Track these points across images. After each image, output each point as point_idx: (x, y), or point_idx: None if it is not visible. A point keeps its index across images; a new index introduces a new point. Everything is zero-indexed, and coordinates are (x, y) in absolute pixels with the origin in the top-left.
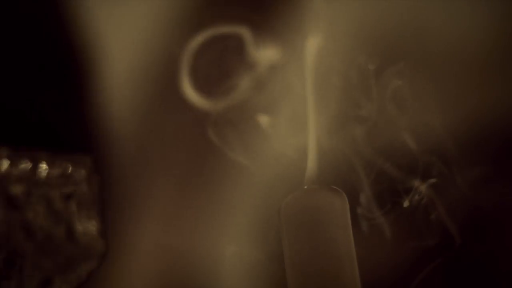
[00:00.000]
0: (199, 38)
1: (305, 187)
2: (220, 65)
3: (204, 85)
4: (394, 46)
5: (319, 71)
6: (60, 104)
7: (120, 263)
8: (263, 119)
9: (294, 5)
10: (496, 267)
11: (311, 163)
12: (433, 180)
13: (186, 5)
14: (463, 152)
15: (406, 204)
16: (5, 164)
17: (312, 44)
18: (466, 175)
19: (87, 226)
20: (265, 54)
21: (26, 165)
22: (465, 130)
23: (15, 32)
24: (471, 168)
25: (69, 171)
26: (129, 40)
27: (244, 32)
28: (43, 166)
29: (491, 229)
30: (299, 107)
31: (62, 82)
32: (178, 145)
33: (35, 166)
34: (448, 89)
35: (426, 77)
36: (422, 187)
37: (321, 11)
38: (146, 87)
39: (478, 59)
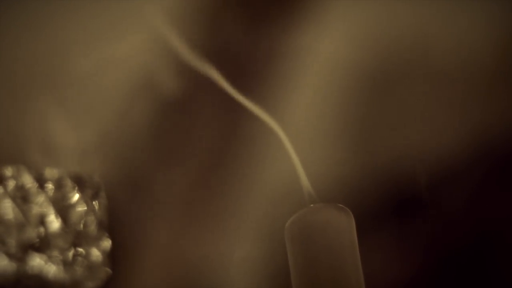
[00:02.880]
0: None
1: (311, 205)
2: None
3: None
4: (399, 62)
5: (323, 89)
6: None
7: (128, 278)
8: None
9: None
10: (500, 277)
11: (305, 182)
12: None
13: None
14: (468, 165)
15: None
16: (11, 184)
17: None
18: (470, 187)
19: (95, 246)
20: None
21: (31, 185)
22: (470, 143)
23: None
24: (475, 181)
25: (76, 190)
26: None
27: None
28: (49, 185)
29: (494, 240)
30: (304, 123)
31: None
32: (188, 159)
33: (42, 186)
34: (453, 103)
35: (431, 92)
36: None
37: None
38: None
39: (484, 73)
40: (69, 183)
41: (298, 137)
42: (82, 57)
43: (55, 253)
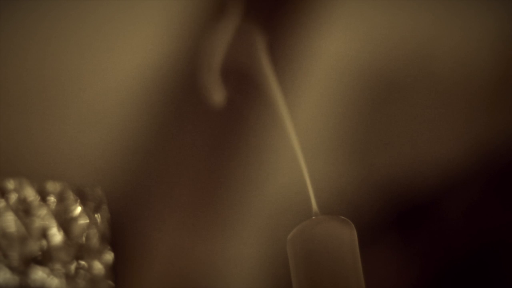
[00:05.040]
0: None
1: (313, 217)
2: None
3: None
4: (401, 73)
5: (324, 100)
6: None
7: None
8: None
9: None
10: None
11: (311, 193)
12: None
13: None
14: (469, 175)
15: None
16: (13, 197)
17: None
18: (471, 197)
19: (97, 259)
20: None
21: (34, 197)
22: (471, 154)
23: None
24: (476, 191)
25: (78, 203)
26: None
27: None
28: (51, 198)
29: (495, 250)
30: (305, 135)
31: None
32: (190, 171)
33: (44, 199)
34: (455, 115)
35: (434, 103)
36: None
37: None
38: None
39: (486, 85)
40: (71, 196)
41: (300, 149)
42: (87, 72)
43: (58, 266)
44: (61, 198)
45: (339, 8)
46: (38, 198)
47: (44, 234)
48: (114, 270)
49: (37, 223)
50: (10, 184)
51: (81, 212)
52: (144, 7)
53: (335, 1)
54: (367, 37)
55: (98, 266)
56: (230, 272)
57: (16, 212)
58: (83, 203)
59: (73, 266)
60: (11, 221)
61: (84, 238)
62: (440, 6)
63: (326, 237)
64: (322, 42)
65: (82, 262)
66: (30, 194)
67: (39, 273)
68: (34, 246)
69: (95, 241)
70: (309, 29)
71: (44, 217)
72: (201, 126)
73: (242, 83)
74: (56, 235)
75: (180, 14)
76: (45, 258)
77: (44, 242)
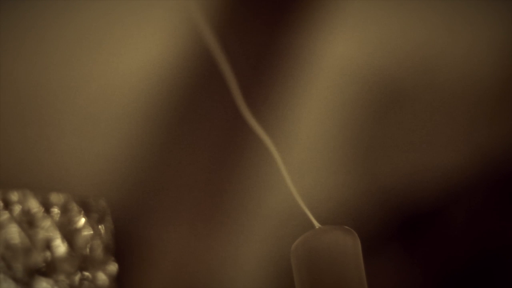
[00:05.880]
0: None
1: (317, 227)
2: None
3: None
4: (406, 80)
5: (327, 109)
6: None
7: None
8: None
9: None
10: None
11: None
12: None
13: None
14: (472, 185)
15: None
16: (17, 208)
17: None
18: (475, 207)
19: (101, 270)
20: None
21: (37, 209)
22: (474, 163)
23: None
24: (479, 200)
25: (82, 215)
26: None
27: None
28: (55, 210)
29: (500, 260)
30: (308, 144)
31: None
32: (195, 180)
33: (48, 211)
34: (459, 123)
35: (437, 113)
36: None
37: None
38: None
39: (489, 94)
40: (75, 207)
41: (302, 159)
42: (88, 79)
43: (62, 277)
44: (64, 210)
45: (346, 10)
46: (42, 209)
47: (48, 245)
48: (118, 280)
49: (41, 234)
50: (14, 196)
51: (85, 223)
52: (144, 7)
53: (343, 3)
54: (371, 44)
55: (102, 277)
56: (234, 281)
57: (20, 223)
58: (87, 215)
59: (77, 277)
60: (15, 233)
61: (88, 249)
62: (451, 16)
63: (329, 246)
64: (325, 45)
65: (86, 273)
66: (34, 205)
67: (43, 285)
68: (38, 258)
69: (99, 252)
70: (315, 30)
71: (48, 229)
72: (207, 135)
73: (247, 95)
74: (60, 247)
75: (180, 15)
76: (49, 269)
77: (48, 254)
